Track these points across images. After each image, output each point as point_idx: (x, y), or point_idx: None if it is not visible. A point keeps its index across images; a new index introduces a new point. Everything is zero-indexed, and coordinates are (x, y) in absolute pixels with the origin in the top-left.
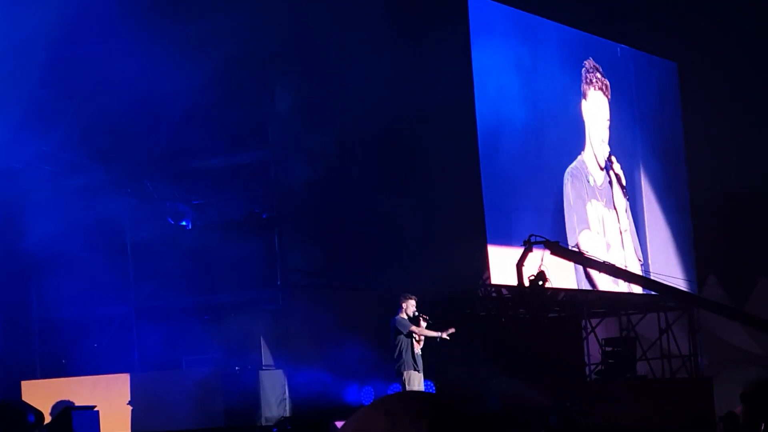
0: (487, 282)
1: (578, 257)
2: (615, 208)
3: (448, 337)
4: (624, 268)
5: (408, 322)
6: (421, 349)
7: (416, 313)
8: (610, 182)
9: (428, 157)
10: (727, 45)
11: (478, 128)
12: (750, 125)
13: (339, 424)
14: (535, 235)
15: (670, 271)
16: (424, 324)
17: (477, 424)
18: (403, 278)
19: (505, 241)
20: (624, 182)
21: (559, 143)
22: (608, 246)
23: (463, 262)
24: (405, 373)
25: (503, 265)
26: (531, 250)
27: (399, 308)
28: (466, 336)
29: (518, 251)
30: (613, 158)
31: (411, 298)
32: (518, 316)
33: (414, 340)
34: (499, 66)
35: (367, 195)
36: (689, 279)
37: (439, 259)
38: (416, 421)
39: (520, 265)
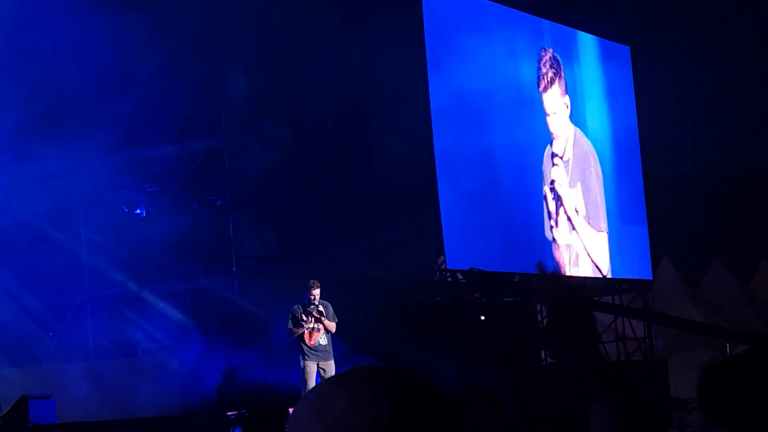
0: (443, 267)
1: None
2: (575, 188)
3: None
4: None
5: (293, 316)
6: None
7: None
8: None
9: (382, 141)
10: (681, 28)
11: (432, 112)
12: (704, 108)
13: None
14: (475, 269)
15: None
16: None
17: (441, 404)
18: (358, 264)
19: (462, 225)
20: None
21: (513, 125)
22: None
23: (418, 247)
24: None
25: (459, 249)
26: None
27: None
28: (422, 321)
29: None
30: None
31: (315, 287)
32: (474, 301)
33: (305, 331)
34: (454, 50)
35: (322, 181)
36: (642, 259)
37: (394, 245)
38: (377, 402)
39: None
